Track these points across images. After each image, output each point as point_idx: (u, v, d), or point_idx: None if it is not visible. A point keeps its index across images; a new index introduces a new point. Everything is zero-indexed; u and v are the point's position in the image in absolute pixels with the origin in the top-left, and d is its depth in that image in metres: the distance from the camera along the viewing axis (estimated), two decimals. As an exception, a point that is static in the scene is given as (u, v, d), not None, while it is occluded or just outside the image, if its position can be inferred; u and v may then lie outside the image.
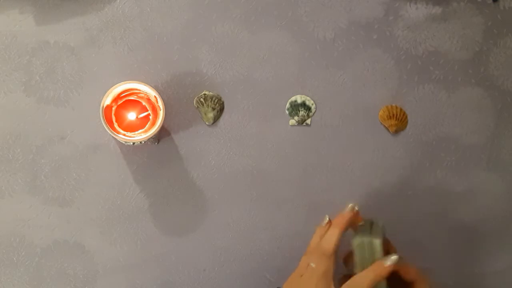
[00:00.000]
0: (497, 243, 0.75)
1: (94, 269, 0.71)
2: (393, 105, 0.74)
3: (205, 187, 0.72)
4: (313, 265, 0.56)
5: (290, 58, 0.73)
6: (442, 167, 0.75)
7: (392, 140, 0.74)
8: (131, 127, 0.67)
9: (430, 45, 0.74)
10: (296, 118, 0.73)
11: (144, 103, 0.67)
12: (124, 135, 0.65)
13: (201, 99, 0.71)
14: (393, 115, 0.73)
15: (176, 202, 0.72)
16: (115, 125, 0.66)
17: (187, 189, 0.72)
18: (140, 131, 0.66)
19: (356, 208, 0.60)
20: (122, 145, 0.71)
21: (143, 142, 0.66)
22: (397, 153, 0.74)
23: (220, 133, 0.73)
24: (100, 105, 0.63)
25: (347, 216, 0.59)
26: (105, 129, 0.63)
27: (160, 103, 0.64)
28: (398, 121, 0.73)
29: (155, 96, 0.65)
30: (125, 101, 0.67)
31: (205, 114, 0.72)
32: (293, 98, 0.73)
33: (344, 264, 0.61)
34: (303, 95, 0.73)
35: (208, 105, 0.71)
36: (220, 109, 0.72)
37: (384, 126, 0.74)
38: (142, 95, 0.67)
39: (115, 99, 0.66)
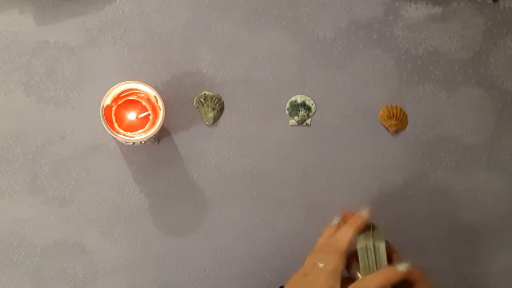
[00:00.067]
0: (497, 243, 0.75)
1: (94, 269, 0.71)
2: (393, 105, 0.74)
3: (205, 187, 0.72)
4: (321, 264, 0.55)
5: (290, 58, 0.73)
6: (442, 167, 0.75)
7: (392, 140, 0.74)
8: (131, 127, 0.67)
9: (430, 45, 0.74)
10: (296, 118, 0.73)
11: (144, 103, 0.67)
12: (124, 135, 0.65)
13: (201, 99, 0.71)
14: (393, 115, 0.73)
15: (176, 202, 0.72)
16: (115, 125, 0.66)
17: (187, 189, 0.72)
18: (140, 131, 0.66)
19: (369, 212, 0.59)
20: (122, 145, 0.71)
21: (143, 142, 0.66)
22: (397, 153, 0.74)
23: (220, 133, 0.73)
24: (100, 105, 0.63)
25: (364, 218, 0.58)
26: (105, 129, 0.63)
27: (160, 103, 0.64)
28: (398, 121, 0.73)
29: (155, 96, 0.65)
30: (125, 101, 0.67)
31: (205, 114, 0.72)
32: (293, 98, 0.73)
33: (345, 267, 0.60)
34: (303, 95, 0.73)
35: (208, 105, 0.71)
36: (220, 109, 0.72)
37: (384, 126, 0.74)
38: (142, 95, 0.67)
39: (115, 99, 0.66)
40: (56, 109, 0.70)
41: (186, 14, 0.72)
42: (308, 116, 0.73)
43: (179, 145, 0.72)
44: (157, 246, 0.72)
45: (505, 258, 0.75)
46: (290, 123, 0.73)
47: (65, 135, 0.71)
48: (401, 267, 0.54)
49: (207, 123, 0.72)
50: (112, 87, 0.63)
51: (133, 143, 0.66)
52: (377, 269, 0.56)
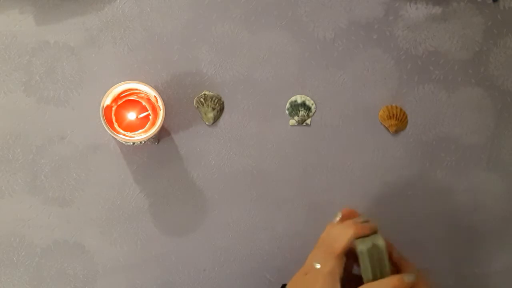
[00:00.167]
0: (497, 243, 0.75)
1: (94, 269, 0.71)
2: (393, 105, 0.74)
3: (205, 187, 0.72)
4: (317, 265, 0.55)
5: (290, 58, 0.73)
6: (442, 167, 0.75)
7: (392, 140, 0.74)
8: (131, 127, 0.67)
9: (430, 45, 0.74)
10: (296, 118, 0.73)
11: (144, 103, 0.67)
12: (124, 135, 0.65)
13: (201, 99, 0.71)
14: (393, 115, 0.73)
15: (176, 202, 0.72)
16: (115, 125, 0.66)
17: (187, 189, 0.72)
18: (140, 131, 0.66)
19: (375, 227, 0.58)
20: (122, 145, 0.71)
21: (143, 142, 0.66)
22: (397, 153, 0.74)
23: (220, 133, 0.73)
24: (100, 105, 0.63)
25: (367, 229, 0.56)
26: (105, 129, 0.63)
27: (160, 103, 0.64)
28: (398, 121, 0.73)
29: (155, 96, 0.65)
30: (125, 101, 0.67)
31: (205, 114, 0.72)
32: (293, 98, 0.73)
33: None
34: (303, 95, 0.73)
35: (208, 105, 0.71)
36: (220, 109, 0.72)
37: (384, 126, 0.74)
38: (142, 95, 0.67)
39: (115, 99, 0.66)
40: (56, 109, 0.70)
41: (186, 14, 0.72)
42: (308, 116, 0.73)
43: (179, 145, 0.72)
44: (157, 246, 0.72)
45: (505, 258, 0.75)
46: (290, 123, 0.73)
47: (65, 135, 0.71)
48: (408, 278, 0.53)
49: (207, 123, 0.72)
50: (112, 87, 0.63)
51: (133, 143, 0.66)
52: (379, 272, 0.55)
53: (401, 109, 0.74)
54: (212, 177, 0.72)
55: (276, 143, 0.73)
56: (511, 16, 0.75)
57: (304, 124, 0.73)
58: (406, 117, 0.74)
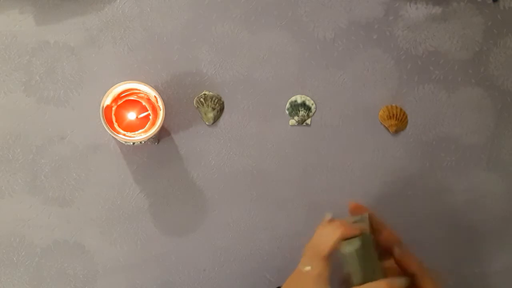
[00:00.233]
0: (497, 243, 0.75)
1: (94, 269, 0.71)
2: (393, 105, 0.74)
3: (205, 187, 0.72)
4: (307, 268, 0.53)
5: (290, 58, 0.73)
6: (442, 167, 0.75)
7: (392, 140, 0.74)
8: (131, 127, 0.67)
9: (430, 45, 0.74)
10: (296, 118, 0.73)
11: (144, 103, 0.67)
12: (124, 135, 0.65)
13: (201, 99, 0.71)
14: (393, 115, 0.73)
15: (176, 202, 0.72)
16: (115, 125, 0.66)
17: (187, 189, 0.72)
18: (140, 131, 0.66)
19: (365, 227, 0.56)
20: (122, 145, 0.71)
21: (143, 142, 0.66)
22: (397, 153, 0.74)
23: (220, 133, 0.73)
24: (100, 105, 0.63)
25: (356, 231, 0.54)
26: (105, 129, 0.63)
27: (160, 103, 0.64)
28: (398, 121, 0.73)
29: (155, 96, 0.65)
30: (125, 101, 0.67)
31: (205, 114, 0.72)
32: (293, 98, 0.73)
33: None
34: (303, 95, 0.73)
35: (208, 105, 0.71)
36: (220, 109, 0.72)
37: (384, 126, 0.74)
38: (142, 95, 0.67)
39: (115, 99, 0.66)
40: (56, 109, 0.70)
41: (186, 14, 0.72)
42: (308, 116, 0.73)
43: (179, 145, 0.72)
44: (157, 246, 0.72)
45: (505, 258, 0.75)
46: (290, 123, 0.73)
47: (65, 135, 0.71)
48: (399, 282, 0.52)
49: (207, 123, 0.72)
50: (112, 87, 0.63)
51: (133, 143, 0.66)
52: (370, 275, 0.53)
53: (401, 109, 0.74)
54: (212, 177, 0.72)
55: (276, 143, 0.73)
56: (511, 16, 0.75)
57: (304, 124, 0.73)
58: (406, 117, 0.74)
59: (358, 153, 0.74)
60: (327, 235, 0.54)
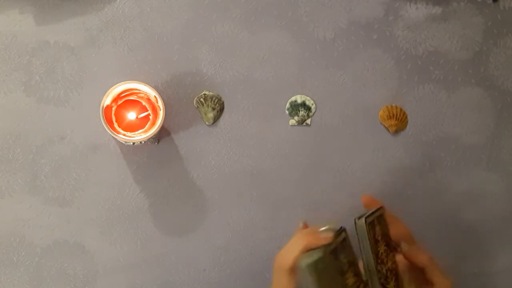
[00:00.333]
0: (497, 243, 0.75)
1: (94, 269, 0.71)
2: (393, 105, 0.74)
3: (205, 187, 0.72)
4: (276, 282, 0.51)
5: (290, 58, 0.73)
6: (442, 167, 0.75)
7: (392, 140, 0.74)
8: (131, 127, 0.67)
9: (430, 45, 0.74)
10: (296, 118, 0.73)
11: (144, 103, 0.67)
12: (124, 135, 0.65)
13: (201, 99, 0.71)
14: (393, 115, 0.73)
15: (176, 202, 0.72)
16: (115, 125, 0.66)
17: (187, 189, 0.72)
18: (140, 131, 0.66)
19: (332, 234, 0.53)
20: (122, 145, 0.71)
21: (143, 142, 0.66)
22: (397, 153, 0.74)
23: (220, 133, 0.73)
24: (100, 105, 0.63)
25: (326, 238, 0.51)
26: (105, 129, 0.63)
27: (160, 103, 0.64)
28: (398, 121, 0.73)
29: (155, 96, 0.65)
30: (125, 101, 0.67)
31: (205, 114, 0.72)
32: (293, 98, 0.73)
33: None
34: (303, 95, 0.73)
35: (208, 105, 0.71)
36: (220, 109, 0.72)
37: (384, 126, 0.74)
38: (142, 95, 0.67)
39: (115, 99, 0.66)
40: (56, 109, 0.70)
41: (186, 14, 0.72)
42: (308, 116, 0.73)
43: (179, 145, 0.72)
44: (157, 246, 0.72)
45: (505, 258, 0.75)
46: (290, 123, 0.73)
47: (65, 135, 0.71)
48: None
49: (207, 123, 0.72)
50: (112, 87, 0.63)
51: (133, 143, 0.66)
52: None
53: (401, 109, 0.74)
54: (212, 177, 0.72)
55: (276, 143, 0.73)
56: (511, 16, 0.75)
57: (304, 124, 0.73)
58: (406, 117, 0.74)
59: (358, 153, 0.74)
60: (292, 246, 0.52)
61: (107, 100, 0.64)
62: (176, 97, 0.72)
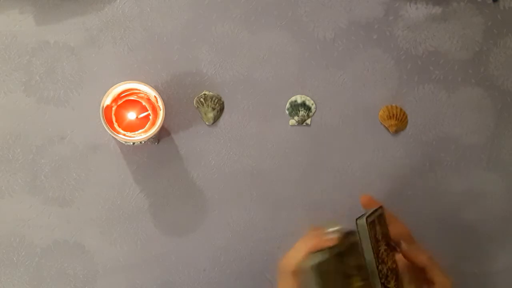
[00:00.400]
0: (497, 243, 0.75)
1: (94, 269, 0.71)
2: (393, 105, 0.74)
3: (205, 187, 0.72)
4: (281, 284, 0.51)
5: (290, 58, 0.73)
6: (442, 167, 0.75)
7: (392, 140, 0.74)
8: (131, 127, 0.67)
9: (430, 45, 0.74)
10: (296, 118, 0.73)
11: (144, 103, 0.67)
12: (124, 135, 0.65)
13: (201, 99, 0.71)
14: (393, 115, 0.73)
15: (176, 202, 0.72)
16: (115, 125, 0.66)
17: (187, 189, 0.72)
18: (140, 131, 0.66)
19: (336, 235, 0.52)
20: (122, 145, 0.71)
21: (143, 142, 0.66)
22: (397, 153, 0.74)
23: (220, 133, 0.73)
24: (100, 105, 0.63)
25: (331, 240, 0.51)
26: (105, 129, 0.63)
27: (160, 103, 0.64)
28: (398, 121, 0.73)
29: (155, 96, 0.65)
30: (125, 101, 0.67)
31: (205, 114, 0.72)
32: (293, 98, 0.73)
33: None
34: (303, 95, 0.73)
35: (208, 105, 0.71)
36: (220, 109, 0.72)
37: (384, 126, 0.74)
38: (142, 95, 0.67)
39: (115, 99, 0.66)
40: (56, 109, 0.70)
41: (186, 14, 0.72)
42: (308, 116, 0.73)
43: (179, 145, 0.72)
44: (157, 246, 0.72)
45: (505, 258, 0.75)
46: (290, 123, 0.73)
47: (65, 135, 0.71)
48: None
49: (207, 123, 0.72)
50: (112, 87, 0.63)
51: (133, 143, 0.66)
52: None
53: (401, 109, 0.74)
54: (212, 177, 0.72)
55: (276, 143, 0.73)
56: (511, 16, 0.75)
57: (304, 124, 0.73)
58: (406, 117, 0.74)
59: (358, 153, 0.74)
60: (297, 248, 0.52)
61: (107, 100, 0.64)
62: (176, 97, 0.72)
